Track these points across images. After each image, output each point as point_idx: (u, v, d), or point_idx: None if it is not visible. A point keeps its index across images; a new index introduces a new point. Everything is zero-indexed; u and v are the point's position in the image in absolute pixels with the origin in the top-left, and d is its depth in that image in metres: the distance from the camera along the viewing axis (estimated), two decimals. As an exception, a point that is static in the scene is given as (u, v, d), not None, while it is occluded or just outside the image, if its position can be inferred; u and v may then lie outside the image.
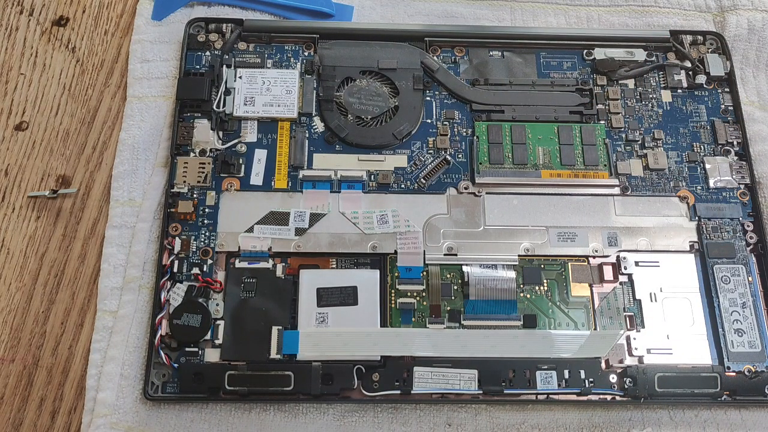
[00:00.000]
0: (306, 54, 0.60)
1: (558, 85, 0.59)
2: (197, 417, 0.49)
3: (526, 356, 0.50)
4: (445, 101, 0.59)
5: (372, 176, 0.56)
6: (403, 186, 0.55)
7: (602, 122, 0.58)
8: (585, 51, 0.61)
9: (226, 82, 0.57)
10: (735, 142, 0.58)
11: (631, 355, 0.51)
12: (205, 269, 0.52)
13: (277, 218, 0.53)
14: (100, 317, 0.51)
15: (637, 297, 0.53)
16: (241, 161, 0.55)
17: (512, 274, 0.52)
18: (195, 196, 0.54)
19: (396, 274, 0.52)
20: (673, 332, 0.51)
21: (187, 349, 0.49)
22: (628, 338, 0.51)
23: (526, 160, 0.56)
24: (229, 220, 0.53)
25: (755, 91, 0.62)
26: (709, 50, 0.62)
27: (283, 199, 0.54)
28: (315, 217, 0.54)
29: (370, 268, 0.53)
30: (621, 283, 0.53)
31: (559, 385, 0.49)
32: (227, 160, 0.55)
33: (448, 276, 0.53)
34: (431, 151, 0.57)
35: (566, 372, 0.50)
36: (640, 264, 0.53)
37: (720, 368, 0.50)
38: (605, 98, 0.59)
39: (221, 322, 0.50)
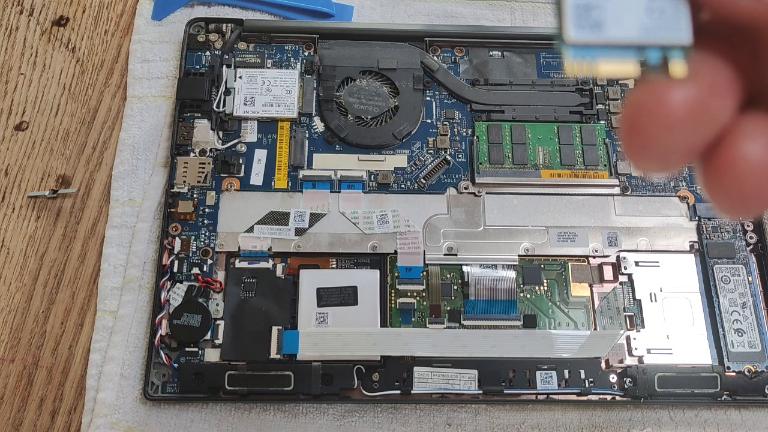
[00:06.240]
0: (306, 54, 0.60)
1: (558, 85, 0.59)
2: (197, 417, 0.49)
3: (526, 356, 0.50)
4: (445, 101, 0.59)
5: (372, 176, 0.56)
6: (403, 186, 0.55)
7: (602, 122, 0.58)
8: (585, 51, 0.61)
9: (226, 82, 0.57)
10: (735, 142, 0.58)
11: (631, 355, 0.51)
12: (205, 269, 0.52)
13: (277, 218, 0.53)
14: (100, 317, 0.51)
15: (637, 297, 0.52)
16: (241, 161, 0.55)
17: (512, 274, 0.52)
18: (195, 196, 0.54)
19: (396, 274, 0.52)
20: (673, 332, 0.51)
21: (187, 349, 0.49)
22: (628, 338, 0.51)
23: (526, 160, 0.56)
24: (229, 220, 0.53)
25: (755, 91, 0.61)
26: (709, 50, 0.62)
27: (283, 199, 0.54)
28: (315, 217, 0.54)
29: (370, 268, 0.53)
30: (621, 283, 0.53)
31: (559, 385, 0.49)
32: (227, 160, 0.55)
33: (448, 276, 0.53)
34: (431, 151, 0.57)
35: (566, 372, 0.50)
36: (640, 264, 0.53)
37: (720, 368, 0.50)
38: (605, 98, 0.59)
39: (221, 322, 0.50)
